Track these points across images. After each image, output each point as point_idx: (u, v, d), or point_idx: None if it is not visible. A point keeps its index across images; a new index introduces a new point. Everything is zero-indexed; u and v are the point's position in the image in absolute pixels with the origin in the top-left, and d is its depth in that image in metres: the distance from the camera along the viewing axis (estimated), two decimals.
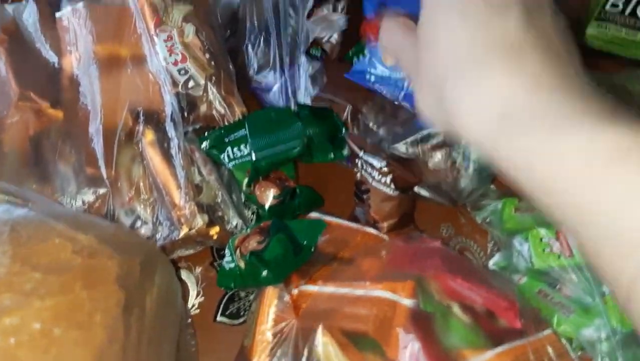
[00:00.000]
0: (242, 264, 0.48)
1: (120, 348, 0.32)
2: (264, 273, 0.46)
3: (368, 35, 0.53)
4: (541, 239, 0.51)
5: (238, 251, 0.48)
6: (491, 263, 0.55)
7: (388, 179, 0.50)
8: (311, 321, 0.43)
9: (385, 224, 0.53)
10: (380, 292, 0.44)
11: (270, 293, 0.46)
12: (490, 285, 0.48)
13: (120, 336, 0.33)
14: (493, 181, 0.56)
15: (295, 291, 0.45)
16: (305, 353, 0.42)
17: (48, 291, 0.31)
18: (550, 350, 0.46)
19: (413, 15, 0.29)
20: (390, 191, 0.50)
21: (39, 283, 0.31)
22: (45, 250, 0.33)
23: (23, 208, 0.36)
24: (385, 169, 0.50)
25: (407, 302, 0.43)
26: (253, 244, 0.48)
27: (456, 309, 0.46)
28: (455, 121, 0.25)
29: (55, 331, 0.30)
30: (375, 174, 0.51)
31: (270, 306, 0.46)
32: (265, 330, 0.45)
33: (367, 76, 0.55)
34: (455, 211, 0.57)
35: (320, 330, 0.42)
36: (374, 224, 0.53)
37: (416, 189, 0.53)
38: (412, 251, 0.49)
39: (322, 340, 0.42)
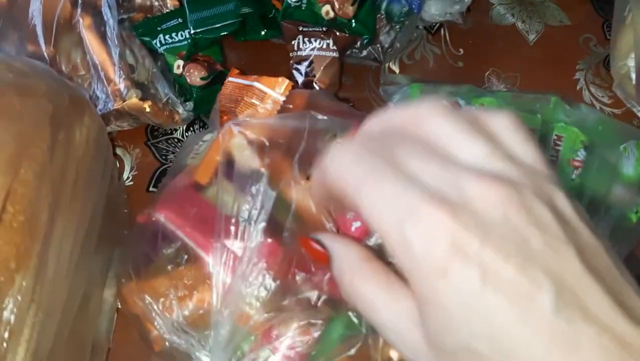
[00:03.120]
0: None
1: (46, 152, 0.37)
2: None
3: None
4: None
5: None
6: None
7: (330, 41, 0.58)
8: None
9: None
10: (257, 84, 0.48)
11: None
12: None
13: (47, 141, 0.37)
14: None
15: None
16: None
17: None
18: None
19: None
20: (333, 53, 0.58)
21: None
22: None
23: None
24: (324, 33, 0.58)
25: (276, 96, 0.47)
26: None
27: None
28: None
29: None
30: (316, 43, 0.58)
31: None
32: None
33: None
34: (369, 99, 0.64)
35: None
36: None
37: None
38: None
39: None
